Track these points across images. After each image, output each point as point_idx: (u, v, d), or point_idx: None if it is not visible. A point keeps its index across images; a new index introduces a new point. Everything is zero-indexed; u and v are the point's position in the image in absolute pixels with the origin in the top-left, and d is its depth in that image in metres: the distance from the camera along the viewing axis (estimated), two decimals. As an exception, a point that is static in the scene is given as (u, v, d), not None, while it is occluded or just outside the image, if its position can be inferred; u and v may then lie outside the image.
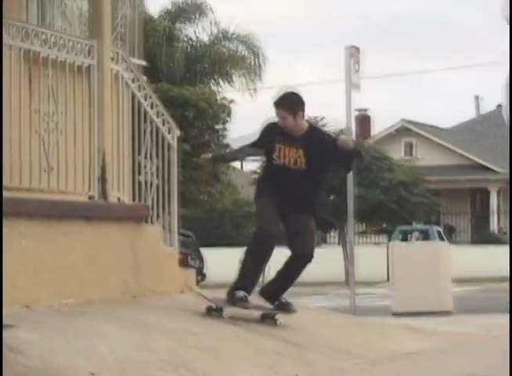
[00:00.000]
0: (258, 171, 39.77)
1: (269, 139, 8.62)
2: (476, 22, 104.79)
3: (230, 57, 36.66)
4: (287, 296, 8.60)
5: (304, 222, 8.57)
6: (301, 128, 8.57)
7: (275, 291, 8.60)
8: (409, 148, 47.70)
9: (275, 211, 8.43)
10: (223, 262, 29.75)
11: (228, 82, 36.85)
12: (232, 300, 8.47)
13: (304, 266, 8.54)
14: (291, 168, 8.52)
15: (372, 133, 49.08)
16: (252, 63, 37.12)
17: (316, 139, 8.57)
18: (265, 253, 8.40)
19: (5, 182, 8.09)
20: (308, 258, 8.52)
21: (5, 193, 8.01)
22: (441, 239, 16.26)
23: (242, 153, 9.30)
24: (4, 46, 8.10)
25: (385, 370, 7.75)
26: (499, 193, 44.81)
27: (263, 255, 8.42)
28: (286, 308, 8.54)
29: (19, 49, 8.35)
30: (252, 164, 44.35)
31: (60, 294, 8.12)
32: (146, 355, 6.82)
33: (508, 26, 14.38)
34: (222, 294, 8.81)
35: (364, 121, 50.27)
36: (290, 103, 8.54)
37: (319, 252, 28.64)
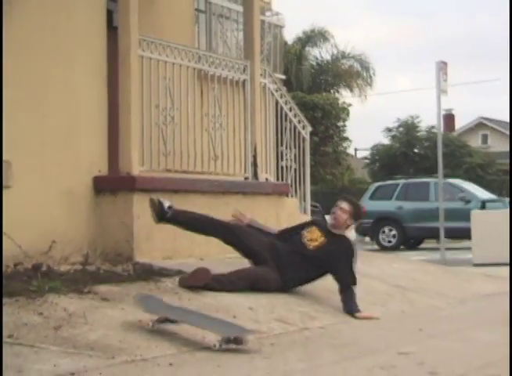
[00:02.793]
0: (369, 157, 39.59)
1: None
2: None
3: (347, 72, 36.49)
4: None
5: None
6: (340, 230, 6.80)
7: None
8: (485, 138, 46.74)
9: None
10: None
11: (350, 89, 36.65)
12: None
13: None
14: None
15: (455, 128, 48.29)
16: (365, 75, 36.87)
17: (340, 244, 6.71)
18: None
19: (184, 167, 8.23)
20: None
21: (184, 175, 8.16)
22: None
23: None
24: (182, 66, 8.23)
25: (471, 306, 7.64)
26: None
27: None
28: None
29: (194, 69, 8.45)
30: (364, 152, 44.10)
31: (225, 250, 8.20)
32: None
33: (508, 27, 13.79)
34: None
35: (449, 118, 49.48)
36: (357, 210, 6.88)
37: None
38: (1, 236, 6.25)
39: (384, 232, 22.64)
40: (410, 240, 22.36)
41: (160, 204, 6.66)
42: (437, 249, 16.63)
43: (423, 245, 23.31)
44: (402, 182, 23.97)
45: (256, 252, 6.76)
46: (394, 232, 22.42)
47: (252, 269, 6.72)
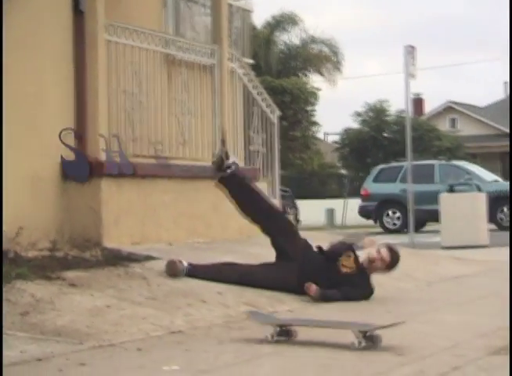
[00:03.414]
0: (339, 141, 39.66)
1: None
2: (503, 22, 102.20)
3: (316, 56, 36.54)
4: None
5: None
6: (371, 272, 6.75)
7: None
8: (453, 122, 47.02)
9: None
10: (312, 210, 29.72)
11: (320, 73, 36.70)
12: None
13: None
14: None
15: (424, 112, 48.57)
16: (334, 60, 36.96)
17: (365, 282, 6.68)
18: None
19: (152, 153, 8.20)
20: None
21: (152, 161, 8.13)
22: (479, 190, 16.05)
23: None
24: (150, 51, 8.19)
25: (438, 288, 7.70)
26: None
27: None
28: None
29: (161, 54, 8.41)
30: (334, 137, 44.15)
31: (194, 235, 8.22)
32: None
33: (508, 25, 13.84)
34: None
35: (418, 102, 49.82)
36: (394, 263, 6.80)
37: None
38: (1, 235, 6.20)
39: (388, 214, 22.45)
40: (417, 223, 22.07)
41: (227, 157, 6.61)
42: (405, 232, 16.73)
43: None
44: (406, 164, 23.76)
45: (285, 249, 6.67)
46: (398, 214, 22.16)
47: (245, 266, 6.61)
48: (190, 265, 6.46)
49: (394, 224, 22.25)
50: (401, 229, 21.48)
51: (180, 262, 6.45)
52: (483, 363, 4.10)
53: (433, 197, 21.03)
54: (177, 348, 4.56)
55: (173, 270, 6.39)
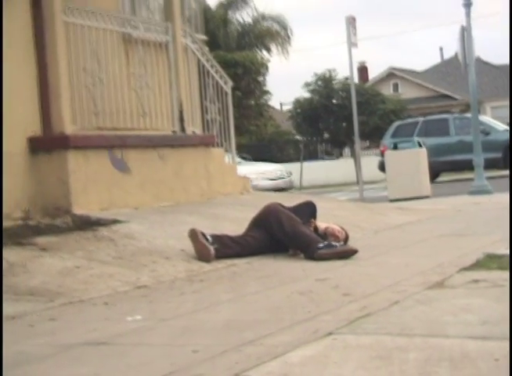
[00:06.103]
0: (291, 109, 39.54)
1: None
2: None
3: (268, 32, 36.38)
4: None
5: None
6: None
7: None
8: (395, 87, 47.16)
9: None
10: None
11: (267, 50, 36.62)
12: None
13: None
14: None
15: (369, 78, 48.65)
16: (283, 35, 36.84)
17: None
18: None
19: (114, 125, 8.10)
20: None
21: (114, 132, 8.03)
22: (420, 146, 16.11)
23: None
24: (107, 31, 8.04)
25: (383, 236, 7.73)
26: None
27: None
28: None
29: (118, 32, 8.27)
30: (288, 106, 44.04)
31: (158, 199, 8.16)
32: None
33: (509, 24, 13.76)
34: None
35: (363, 70, 49.89)
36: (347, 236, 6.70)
37: (337, 163, 28.22)
38: (1, 229, 6.07)
39: None
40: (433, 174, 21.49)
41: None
42: (356, 190, 16.77)
43: (344, 187, 23.49)
44: (421, 119, 23.48)
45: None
46: None
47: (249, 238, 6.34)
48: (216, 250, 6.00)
49: None
50: None
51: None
52: (420, 296, 4.11)
53: (449, 149, 20.98)
54: (141, 301, 4.52)
55: (204, 256, 5.96)
